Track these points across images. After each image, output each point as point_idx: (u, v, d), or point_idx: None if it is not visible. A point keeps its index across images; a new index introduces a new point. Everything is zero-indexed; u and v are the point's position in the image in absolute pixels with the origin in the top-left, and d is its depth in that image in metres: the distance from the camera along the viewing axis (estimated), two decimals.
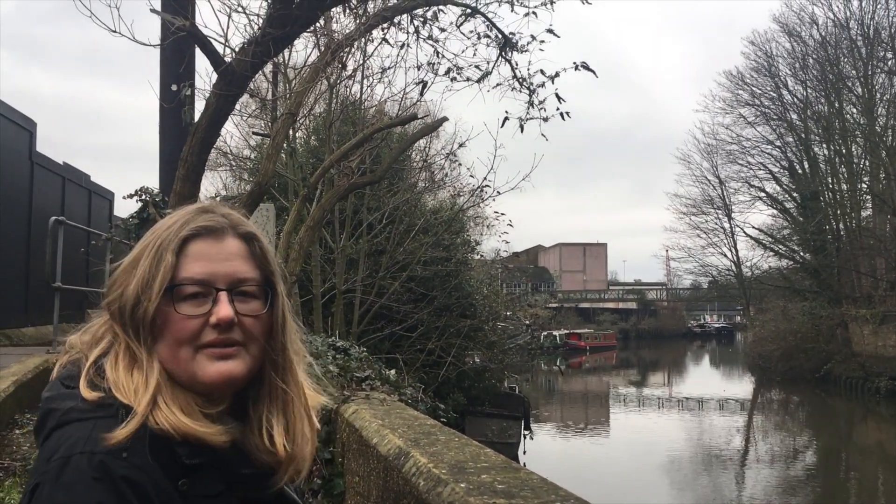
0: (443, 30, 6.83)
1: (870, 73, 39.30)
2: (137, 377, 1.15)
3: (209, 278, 1.19)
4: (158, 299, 1.17)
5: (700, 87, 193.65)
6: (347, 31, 7.01)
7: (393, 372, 5.85)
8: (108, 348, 1.20)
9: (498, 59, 6.90)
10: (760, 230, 46.72)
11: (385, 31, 7.04)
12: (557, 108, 6.98)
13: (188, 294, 1.18)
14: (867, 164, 40.04)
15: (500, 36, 6.71)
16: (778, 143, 45.42)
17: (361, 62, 9.85)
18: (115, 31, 4.55)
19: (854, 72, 40.18)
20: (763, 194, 46.51)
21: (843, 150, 40.88)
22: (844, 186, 41.69)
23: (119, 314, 1.20)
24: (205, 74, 10.27)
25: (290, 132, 9.88)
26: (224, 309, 1.18)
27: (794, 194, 44.86)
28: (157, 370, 1.16)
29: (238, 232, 1.25)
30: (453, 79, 7.19)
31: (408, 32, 6.94)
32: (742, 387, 40.77)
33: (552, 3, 6.34)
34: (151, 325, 1.17)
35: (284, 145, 8.43)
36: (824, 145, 42.79)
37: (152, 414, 1.12)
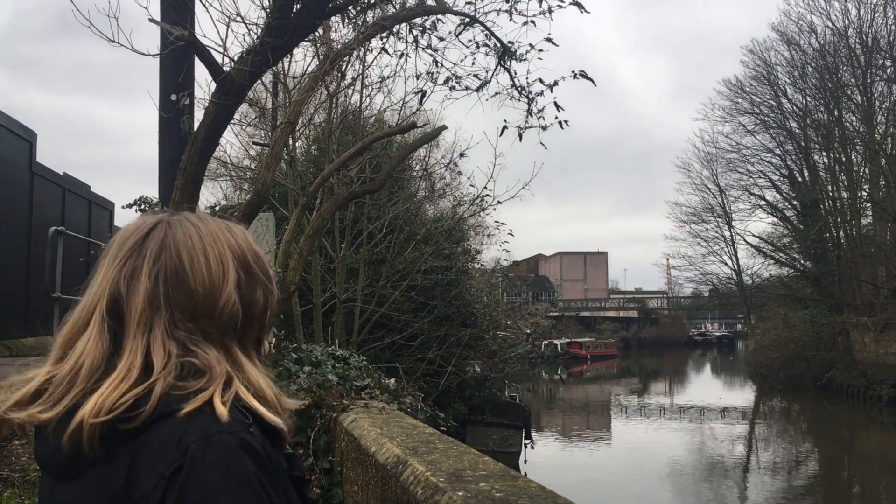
0: (441, 39, 6.85)
1: (869, 81, 39.38)
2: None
3: None
4: None
5: (678, 100, 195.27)
6: (346, 40, 7.03)
7: (393, 381, 5.83)
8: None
9: (497, 67, 6.92)
10: (761, 238, 46.84)
11: (384, 40, 7.06)
12: (556, 117, 6.99)
13: None
14: (867, 171, 40.04)
15: (498, 45, 6.73)
16: (778, 151, 45.54)
17: (360, 71, 9.88)
18: (113, 42, 4.56)
19: (853, 80, 40.25)
20: (763, 202, 46.57)
21: (843, 158, 40.89)
22: (844, 194, 41.70)
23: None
24: (204, 84, 10.29)
25: (290, 141, 9.90)
26: None
27: (795, 202, 44.90)
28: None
29: None
30: (452, 88, 7.21)
31: (406, 42, 6.97)
32: (743, 395, 40.65)
33: (550, 11, 6.35)
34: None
35: (284, 154, 8.44)
36: (824, 153, 42.82)
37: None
